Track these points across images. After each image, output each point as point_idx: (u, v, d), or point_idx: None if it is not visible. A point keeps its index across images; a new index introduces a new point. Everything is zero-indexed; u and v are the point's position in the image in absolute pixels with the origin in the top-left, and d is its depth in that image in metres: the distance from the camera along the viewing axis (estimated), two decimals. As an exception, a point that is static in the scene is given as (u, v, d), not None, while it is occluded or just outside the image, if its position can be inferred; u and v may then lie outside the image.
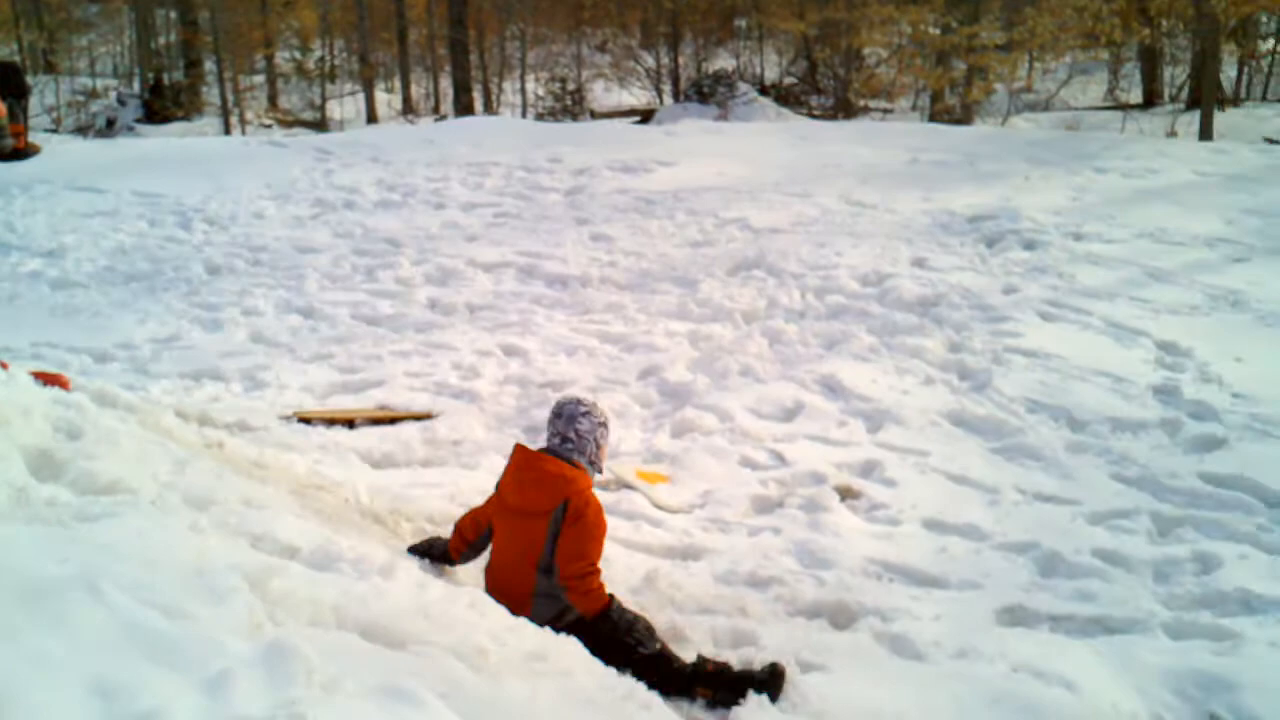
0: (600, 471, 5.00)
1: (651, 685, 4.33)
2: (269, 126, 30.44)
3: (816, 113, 25.67)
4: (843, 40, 26.53)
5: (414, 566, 3.93)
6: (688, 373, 8.22)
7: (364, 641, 2.83)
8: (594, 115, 27.61)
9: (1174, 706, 4.60)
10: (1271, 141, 21.18)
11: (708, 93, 24.93)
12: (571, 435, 4.88)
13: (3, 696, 2.11)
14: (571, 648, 3.86)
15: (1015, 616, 5.33)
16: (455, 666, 2.95)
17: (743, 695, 4.37)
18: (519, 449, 4.92)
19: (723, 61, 31.74)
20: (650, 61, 31.00)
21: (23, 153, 17.28)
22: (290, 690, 2.35)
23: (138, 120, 28.82)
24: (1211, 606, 5.34)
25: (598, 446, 4.90)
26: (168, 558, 3.07)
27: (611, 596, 4.60)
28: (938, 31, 24.63)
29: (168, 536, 3.32)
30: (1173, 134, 22.83)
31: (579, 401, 4.98)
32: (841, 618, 5.22)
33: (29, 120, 19.30)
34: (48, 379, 5.79)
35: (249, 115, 31.24)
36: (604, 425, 4.94)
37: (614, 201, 13.36)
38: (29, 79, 22.91)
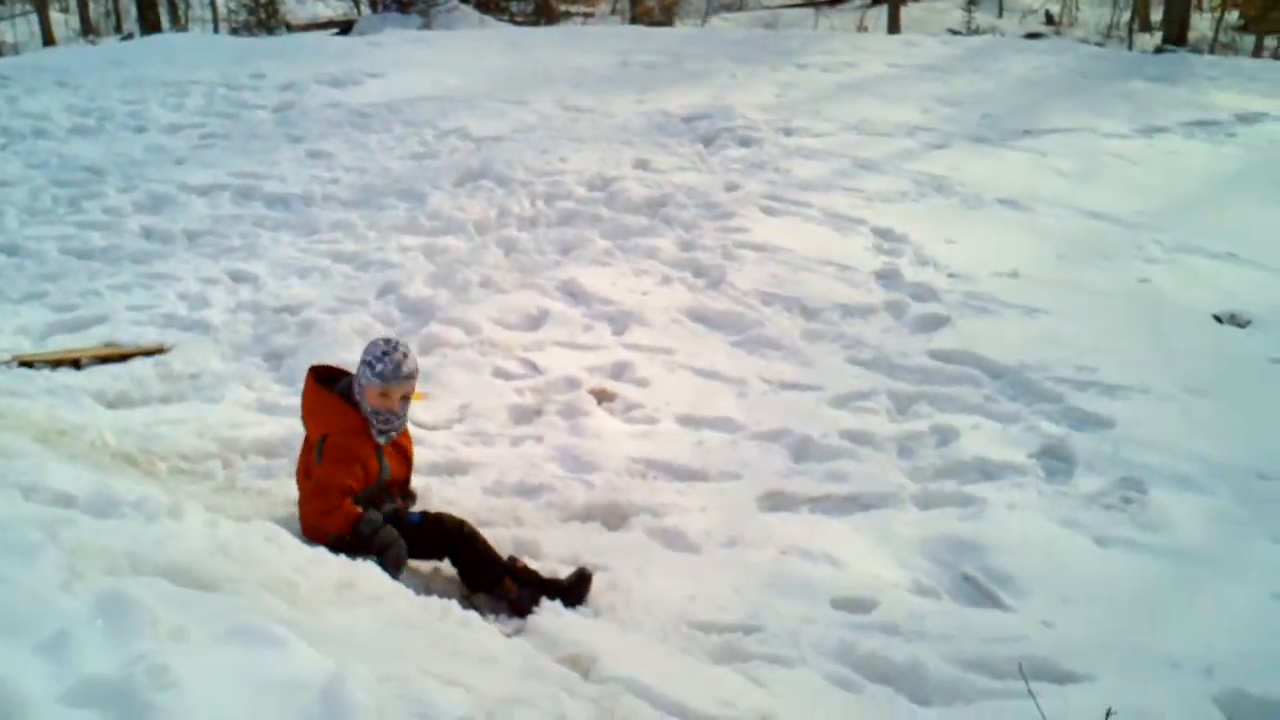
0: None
1: (463, 575, 4.42)
2: (-72, 52, 27.94)
3: (519, 19, 25.39)
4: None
5: (198, 506, 3.75)
6: (427, 288, 8.09)
7: (173, 586, 2.70)
8: (290, 28, 26.47)
9: (931, 572, 4.90)
10: (955, 33, 22.27)
11: (407, 2, 24.27)
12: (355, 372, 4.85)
13: None
14: (375, 573, 3.79)
15: (776, 502, 5.54)
16: (275, 603, 2.86)
17: (537, 602, 4.43)
18: (308, 375, 4.97)
19: (418, -32, 30.91)
20: (342, -30, 29.93)
21: None
22: (139, 644, 2.22)
23: None
24: (954, 476, 5.68)
25: (361, 387, 4.76)
26: None
27: (354, 527, 4.54)
28: (633, -67, 24.73)
29: None
30: (863, 29, 23.72)
31: (374, 341, 4.88)
32: (614, 518, 5.31)
33: None
34: None
35: (-97, 40, 28.61)
36: (366, 364, 4.75)
37: (326, 116, 12.91)
38: None
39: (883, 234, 9.01)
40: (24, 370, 6.83)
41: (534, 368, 6.97)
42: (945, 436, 6.04)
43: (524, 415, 6.45)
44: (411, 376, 4.78)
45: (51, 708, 2.05)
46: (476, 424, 6.31)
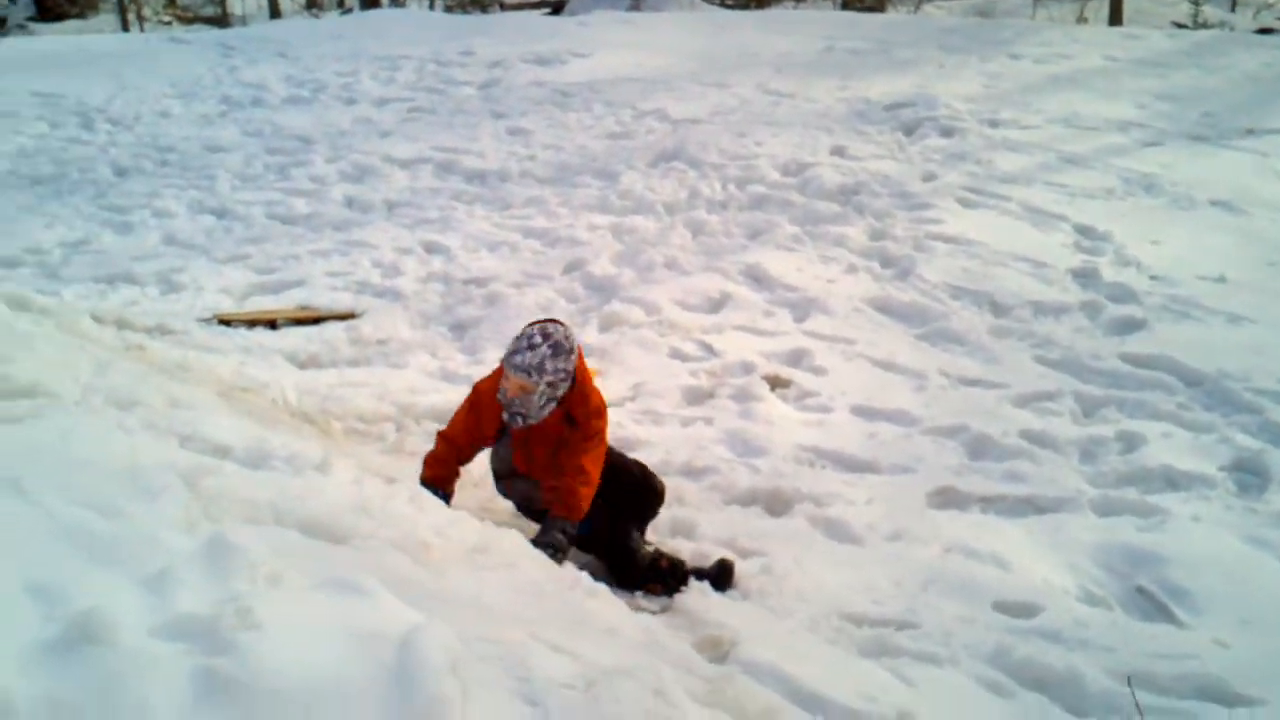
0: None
1: (612, 575, 4.40)
2: (168, 23, 29.47)
3: (729, 2, 25.34)
4: (755, -72, 26.15)
5: (350, 463, 3.87)
6: (612, 266, 8.15)
7: (305, 538, 2.78)
8: (503, 7, 27.03)
9: (1103, 581, 4.71)
10: (1180, 26, 21.35)
11: (619, -18, 24.46)
12: None
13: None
14: (513, 540, 3.83)
15: (947, 499, 5.41)
16: (400, 560, 2.92)
17: (685, 582, 4.42)
18: None
19: (633, -50, 31.11)
20: (559, -49, 30.34)
21: (-90, 52, 16.60)
22: (234, 584, 2.31)
23: (30, 19, 27.70)
24: (1137, 484, 5.45)
25: None
26: (97, 457, 2.98)
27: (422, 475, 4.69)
28: (850, -83, 24.40)
29: (95, 437, 3.22)
30: (1083, 20, 22.91)
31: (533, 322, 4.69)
32: (777, 504, 5.27)
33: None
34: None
35: (146, 12, 30.19)
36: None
37: (530, 94, 13.13)
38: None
39: (1084, 231, 8.70)
40: (222, 328, 7.14)
41: (710, 350, 6.95)
42: (1131, 443, 5.80)
43: (696, 397, 6.44)
44: (521, 370, 4.43)
45: (142, 638, 2.15)
46: (648, 403, 6.32)
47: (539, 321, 4.66)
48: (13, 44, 19.92)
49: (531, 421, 4.58)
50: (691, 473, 5.52)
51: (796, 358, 6.87)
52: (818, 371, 6.71)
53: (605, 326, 7.27)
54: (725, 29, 17.45)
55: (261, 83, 13.99)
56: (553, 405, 4.56)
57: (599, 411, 4.67)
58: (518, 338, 4.56)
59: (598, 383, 6.34)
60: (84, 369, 4.31)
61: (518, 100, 12.91)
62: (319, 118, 12.45)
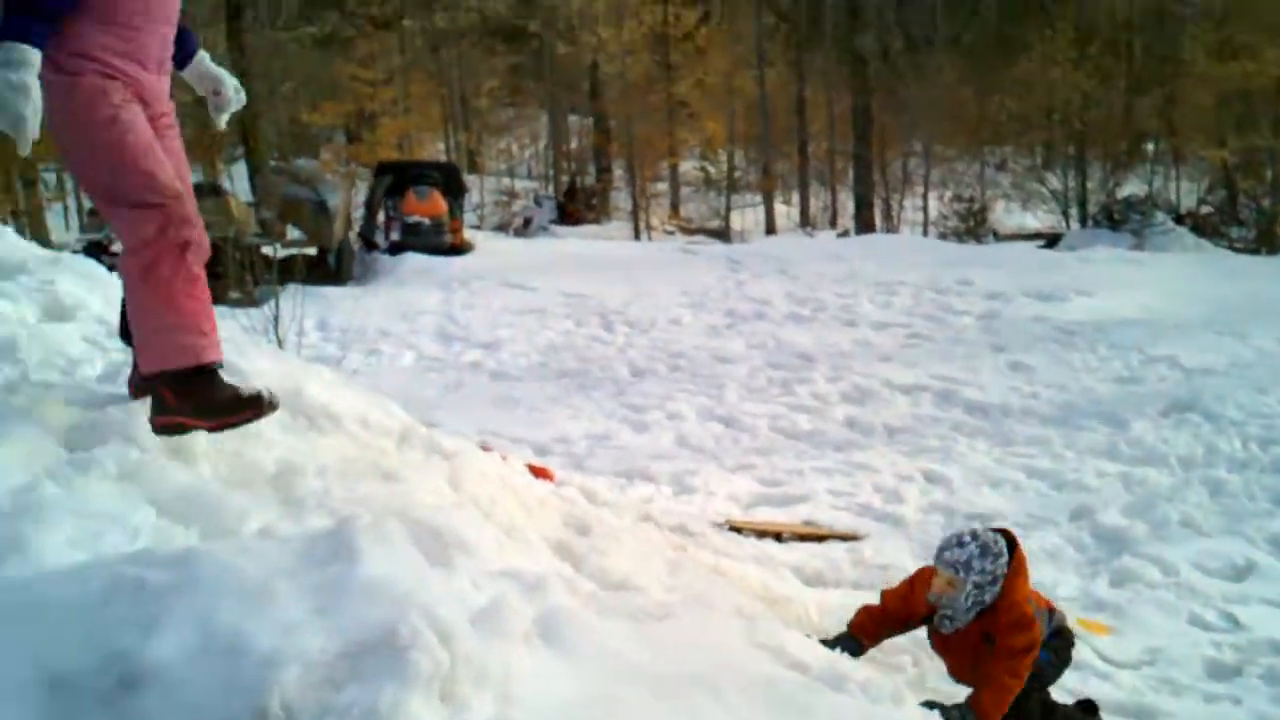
0: None
1: None
2: (672, 233, 31.68)
3: (1238, 246, 24.33)
4: (1267, 169, 25.14)
5: (912, 695, 3.97)
6: (1123, 518, 7.88)
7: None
8: (996, 236, 27.27)
9: None
10: None
11: (1119, 219, 24.12)
12: None
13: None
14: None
15: None
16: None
17: None
18: None
19: (1131, 186, 30.57)
20: (1055, 183, 30.31)
21: (459, 249, 18.78)
22: None
23: (552, 221, 30.55)
24: None
25: None
26: (731, 663, 3.22)
27: None
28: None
29: (721, 643, 3.47)
30: None
31: None
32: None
33: (464, 218, 20.98)
34: (537, 471, 6.18)
35: (654, 220, 32.63)
36: None
37: (1030, 329, 13.10)
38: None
39: None
40: (733, 534, 7.46)
41: (1234, 622, 6.54)
42: None
43: (1221, 672, 6.04)
44: (949, 565, 4.57)
45: None
46: (1167, 670, 6.00)
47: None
48: (542, 245, 22.11)
49: (957, 625, 4.68)
50: (1226, 755, 5.19)
51: (1337, 645, 6.35)
52: (1366, 665, 6.16)
53: (1117, 582, 7.00)
54: (1236, 274, 16.78)
55: (765, 298, 14.74)
56: (978, 610, 4.61)
57: (1020, 626, 4.56)
58: (948, 535, 4.75)
59: (1113, 641, 6.14)
60: (658, 565, 4.66)
61: (1018, 334, 12.91)
62: (819, 336, 12.95)
